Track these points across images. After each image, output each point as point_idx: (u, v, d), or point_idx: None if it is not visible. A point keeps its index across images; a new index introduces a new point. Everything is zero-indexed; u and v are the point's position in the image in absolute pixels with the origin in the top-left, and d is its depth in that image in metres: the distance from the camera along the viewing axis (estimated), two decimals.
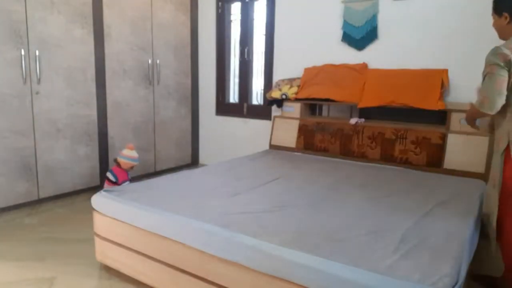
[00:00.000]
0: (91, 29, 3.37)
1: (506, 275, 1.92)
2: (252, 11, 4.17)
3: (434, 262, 1.37)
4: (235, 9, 4.32)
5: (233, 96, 4.50)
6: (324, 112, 3.71)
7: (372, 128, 3.11)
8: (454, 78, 2.97)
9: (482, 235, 2.01)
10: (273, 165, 2.95)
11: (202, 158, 4.67)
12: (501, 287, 1.96)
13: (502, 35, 1.99)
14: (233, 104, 4.42)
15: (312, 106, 3.67)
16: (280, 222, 1.73)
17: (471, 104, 1.95)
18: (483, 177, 2.63)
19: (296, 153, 3.42)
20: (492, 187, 1.88)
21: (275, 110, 3.91)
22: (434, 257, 1.41)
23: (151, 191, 2.15)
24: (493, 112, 1.79)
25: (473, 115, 1.98)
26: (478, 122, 2.16)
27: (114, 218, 1.99)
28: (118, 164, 3.10)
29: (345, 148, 3.21)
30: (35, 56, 2.98)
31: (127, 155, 3.09)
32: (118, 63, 3.62)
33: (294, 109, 3.58)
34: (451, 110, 2.85)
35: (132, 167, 3.14)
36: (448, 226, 1.72)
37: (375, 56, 3.31)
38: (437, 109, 2.85)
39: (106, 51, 3.50)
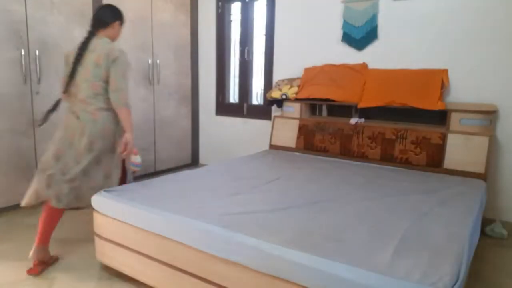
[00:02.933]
0: None
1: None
2: (252, 11, 4.17)
3: (434, 262, 1.37)
4: (235, 9, 4.32)
5: (233, 96, 4.50)
6: (324, 112, 3.71)
7: (372, 128, 3.11)
8: (454, 78, 2.97)
9: (482, 234, 2.02)
10: (273, 165, 2.95)
11: (202, 158, 4.67)
12: None
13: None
14: (233, 104, 4.42)
15: (312, 106, 3.67)
16: (280, 222, 1.73)
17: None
18: (483, 177, 2.63)
19: (296, 153, 3.42)
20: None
21: (275, 110, 3.91)
22: (434, 256, 1.41)
23: (151, 191, 2.15)
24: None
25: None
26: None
27: (114, 218, 1.99)
28: None
29: (345, 148, 3.21)
30: (35, 56, 2.98)
31: (130, 160, 3.09)
32: None
33: (294, 109, 3.58)
34: (451, 110, 2.85)
35: (133, 172, 3.13)
36: (448, 226, 1.73)
37: (375, 56, 3.31)
38: (437, 109, 2.85)
39: None
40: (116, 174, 2.35)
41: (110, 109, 2.24)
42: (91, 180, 2.22)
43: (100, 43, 2.26)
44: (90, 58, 2.22)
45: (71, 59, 2.27)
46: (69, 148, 2.21)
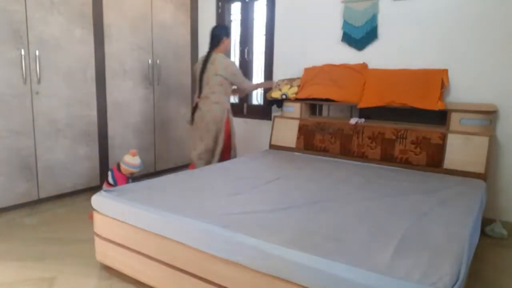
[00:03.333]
0: (91, 29, 3.37)
1: None
2: (252, 11, 4.17)
3: (434, 262, 1.37)
4: (235, 9, 4.33)
5: (233, 96, 4.49)
6: (324, 112, 3.71)
7: (372, 128, 3.11)
8: (454, 78, 2.97)
9: (482, 234, 2.02)
10: (273, 165, 2.95)
11: None
12: None
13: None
14: (233, 104, 4.41)
15: (312, 106, 3.67)
16: (280, 222, 1.73)
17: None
18: (483, 177, 2.63)
19: (296, 153, 3.42)
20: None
21: (275, 110, 3.91)
22: (434, 256, 1.41)
23: (151, 191, 2.15)
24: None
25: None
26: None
27: (114, 218, 1.99)
28: (119, 168, 3.07)
29: (345, 148, 3.21)
30: (35, 56, 2.98)
31: (127, 161, 3.02)
32: (118, 63, 3.62)
33: (294, 109, 3.58)
34: (451, 110, 2.85)
35: (132, 173, 3.08)
36: (448, 226, 1.73)
37: (375, 56, 3.31)
38: (437, 109, 2.85)
39: (106, 51, 3.50)
40: (220, 150, 3.26)
41: (219, 102, 3.21)
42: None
43: (217, 58, 3.17)
44: (211, 69, 3.16)
45: (198, 70, 3.27)
46: (195, 131, 3.31)
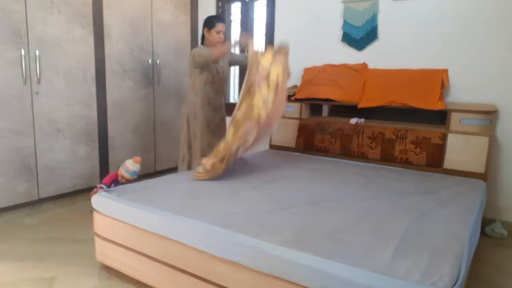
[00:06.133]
0: (91, 29, 3.37)
1: None
2: (252, 11, 4.17)
3: (434, 262, 1.37)
4: (235, 9, 4.33)
5: (233, 96, 4.50)
6: (324, 112, 3.71)
7: (372, 128, 3.11)
8: (454, 78, 2.97)
9: (482, 234, 2.01)
10: (273, 165, 2.95)
11: None
12: None
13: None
14: (233, 104, 4.41)
15: (312, 106, 3.66)
16: (280, 222, 1.73)
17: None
18: (483, 177, 2.63)
19: (296, 153, 3.42)
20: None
21: None
22: (434, 257, 1.41)
23: (151, 191, 2.15)
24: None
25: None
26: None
27: (114, 218, 1.99)
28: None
29: (345, 148, 3.21)
30: (35, 56, 2.98)
31: (125, 163, 2.96)
32: (118, 63, 3.62)
33: (294, 109, 3.58)
34: (451, 110, 2.85)
35: (123, 177, 2.96)
36: (448, 226, 1.72)
37: (375, 56, 3.31)
38: (437, 109, 2.85)
39: (106, 51, 3.50)
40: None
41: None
42: None
43: None
44: None
45: None
46: None
